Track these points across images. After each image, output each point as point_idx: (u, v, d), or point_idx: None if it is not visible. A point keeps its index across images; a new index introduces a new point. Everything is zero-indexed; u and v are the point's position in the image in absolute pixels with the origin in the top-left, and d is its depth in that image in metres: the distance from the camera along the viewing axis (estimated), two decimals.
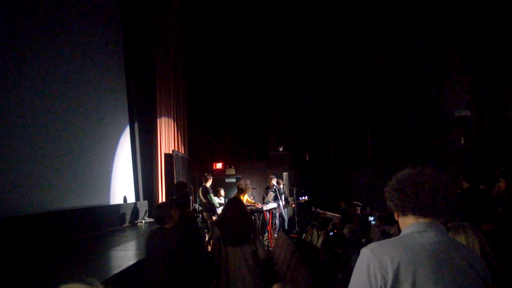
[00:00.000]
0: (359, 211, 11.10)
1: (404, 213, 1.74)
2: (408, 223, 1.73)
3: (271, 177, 11.11)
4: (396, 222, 1.89)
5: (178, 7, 13.77)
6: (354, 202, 11.92)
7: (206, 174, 10.54)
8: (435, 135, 14.47)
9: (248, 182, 8.93)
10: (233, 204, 4.45)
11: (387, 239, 1.76)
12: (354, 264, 1.70)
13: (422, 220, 1.69)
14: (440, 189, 1.67)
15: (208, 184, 10.22)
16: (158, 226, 4.31)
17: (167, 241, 4.08)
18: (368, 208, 10.81)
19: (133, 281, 4.60)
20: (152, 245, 4.18)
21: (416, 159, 14.05)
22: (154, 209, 4.51)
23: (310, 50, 15.94)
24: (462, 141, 13.77)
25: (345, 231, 5.96)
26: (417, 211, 1.68)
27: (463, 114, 13.91)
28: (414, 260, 1.55)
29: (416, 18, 14.61)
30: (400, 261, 1.55)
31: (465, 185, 6.37)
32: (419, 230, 1.67)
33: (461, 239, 2.66)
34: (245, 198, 9.74)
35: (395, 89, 15.27)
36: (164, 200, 11.28)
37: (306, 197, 11.23)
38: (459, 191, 6.27)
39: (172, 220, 4.26)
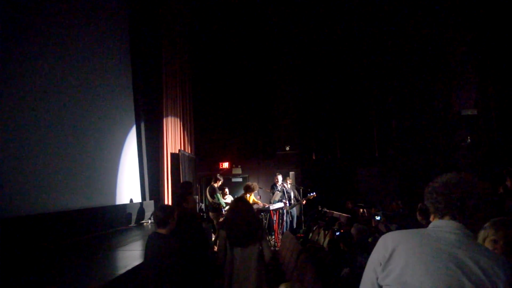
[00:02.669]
0: (360, 212, 11.10)
1: (435, 215, 1.81)
2: None
3: (276, 175, 11.11)
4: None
5: (185, 6, 13.79)
6: (358, 204, 11.91)
7: (218, 174, 10.56)
8: (442, 134, 14.42)
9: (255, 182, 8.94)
10: (239, 203, 4.35)
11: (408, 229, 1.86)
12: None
13: (447, 219, 1.74)
14: (471, 193, 1.71)
15: (217, 184, 10.24)
16: (158, 229, 3.99)
17: (166, 248, 3.79)
18: (373, 209, 10.76)
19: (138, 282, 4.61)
20: (152, 253, 3.92)
21: (423, 158, 14.01)
22: (158, 209, 4.19)
23: (317, 49, 15.91)
24: (469, 140, 13.72)
25: (352, 230, 5.95)
26: (446, 212, 1.75)
27: (470, 113, 13.86)
28: (412, 247, 1.67)
29: (423, 17, 14.56)
30: (399, 244, 1.70)
31: None
32: (437, 226, 1.75)
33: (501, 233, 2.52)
34: (252, 198, 9.76)
35: (401, 88, 15.23)
36: (170, 200, 11.28)
37: (314, 193, 11.16)
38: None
39: (170, 225, 3.95)
